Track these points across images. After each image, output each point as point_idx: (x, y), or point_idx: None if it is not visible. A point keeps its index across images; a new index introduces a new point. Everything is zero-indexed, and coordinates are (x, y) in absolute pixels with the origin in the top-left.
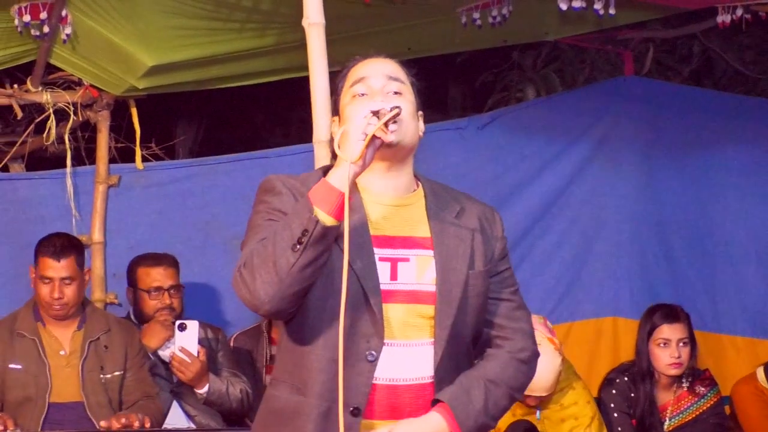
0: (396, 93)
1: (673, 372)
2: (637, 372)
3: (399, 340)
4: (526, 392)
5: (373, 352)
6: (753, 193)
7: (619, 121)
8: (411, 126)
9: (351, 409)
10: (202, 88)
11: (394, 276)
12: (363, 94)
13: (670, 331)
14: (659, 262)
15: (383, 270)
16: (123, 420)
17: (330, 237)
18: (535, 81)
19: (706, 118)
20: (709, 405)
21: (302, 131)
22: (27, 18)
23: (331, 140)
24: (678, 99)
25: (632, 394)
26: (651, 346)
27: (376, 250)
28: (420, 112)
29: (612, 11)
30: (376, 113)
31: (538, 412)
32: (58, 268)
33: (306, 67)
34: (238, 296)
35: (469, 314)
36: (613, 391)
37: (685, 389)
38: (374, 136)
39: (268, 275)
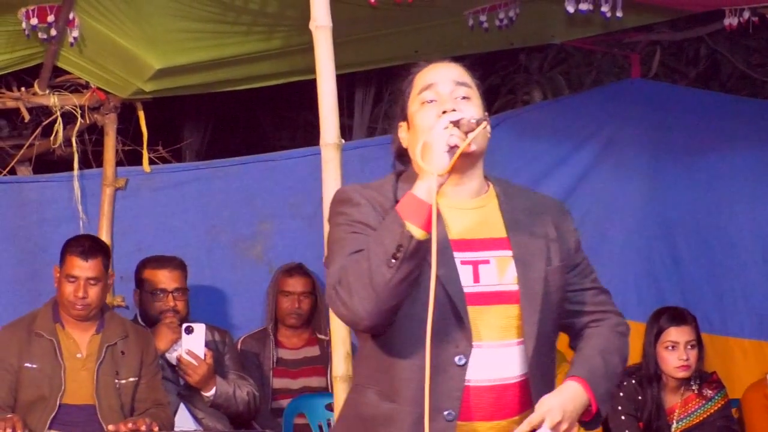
0: (464, 98)
1: (681, 375)
2: (644, 375)
3: (485, 342)
4: None
5: (463, 356)
6: (760, 195)
7: (625, 123)
8: (482, 131)
9: (444, 413)
10: (209, 90)
11: (476, 279)
12: (432, 101)
13: (677, 334)
14: (666, 264)
15: (465, 273)
16: (130, 425)
17: (423, 250)
18: (542, 84)
19: (712, 121)
20: (716, 408)
21: (309, 134)
22: (34, 21)
23: (398, 145)
24: (685, 101)
25: (639, 397)
26: (658, 349)
27: (456, 254)
28: (486, 113)
29: (619, 14)
30: (456, 123)
31: None
32: (85, 267)
33: (313, 70)
34: (335, 314)
35: (551, 310)
36: (621, 394)
37: (693, 392)
38: (456, 147)
39: (365, 292)
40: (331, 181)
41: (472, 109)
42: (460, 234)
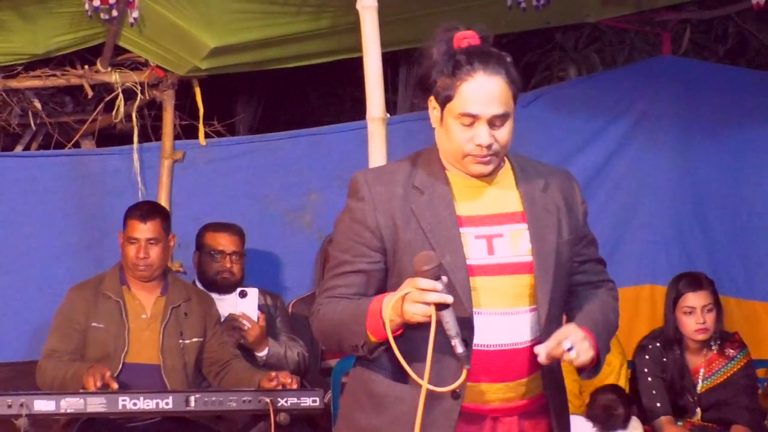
0: (498, 126)
1: (700, 337)
2: (666, 338)
3: (497, 309)
4: None
5: (465, 339)
6: None
7: (657, 99)
8: (508, 141)
9: (451, 391)
10: (260, 68)
11: (490, 251)
12: (470, 125)
13: (694, 299)
14: (695, 232)
15: (479, 247)
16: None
17: (384, 344)
18: (577, 61)
19: (740, 96)
20: (739, 366)
21: (354, 110)
22: (96, 2)
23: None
24: (714, 77)
25: (664, 359)
26: (677, 314)
27: (470, 230)
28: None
29: None
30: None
31: None
32: (144, 229)
33: (359, 49)
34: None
35: (561, 280)
36: (646, 357)
37: (715, 352)
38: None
39: (335, 347)
40: (377, 154)
41: (506, 134)
42: (475, 210)
